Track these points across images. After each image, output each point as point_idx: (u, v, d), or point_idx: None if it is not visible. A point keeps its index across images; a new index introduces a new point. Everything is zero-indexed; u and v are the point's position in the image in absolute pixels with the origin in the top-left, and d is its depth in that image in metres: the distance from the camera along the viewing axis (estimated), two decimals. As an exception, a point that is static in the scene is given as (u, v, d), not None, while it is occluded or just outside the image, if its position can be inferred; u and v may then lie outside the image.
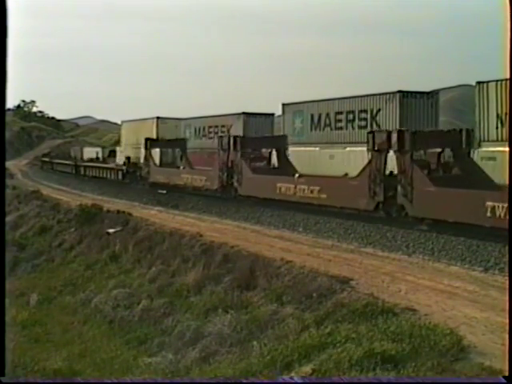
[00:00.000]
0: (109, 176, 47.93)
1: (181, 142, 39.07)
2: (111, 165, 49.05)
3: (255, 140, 30.88)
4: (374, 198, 21.42)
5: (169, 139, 40.90)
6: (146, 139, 41.10)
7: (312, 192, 24.45)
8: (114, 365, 12.53)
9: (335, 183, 24.10)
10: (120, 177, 45.69)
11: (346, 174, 24.62)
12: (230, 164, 29.94)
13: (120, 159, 48.46)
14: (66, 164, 61.49)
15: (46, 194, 37.27)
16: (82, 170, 55.42)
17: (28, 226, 28.53)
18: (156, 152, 40.28)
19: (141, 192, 37.18)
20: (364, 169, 22.15)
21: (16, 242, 25.25)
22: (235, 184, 29.49)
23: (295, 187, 25.36)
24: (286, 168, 28.44)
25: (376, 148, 21.26)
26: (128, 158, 45.26)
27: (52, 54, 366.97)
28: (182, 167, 36.55)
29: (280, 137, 31.14)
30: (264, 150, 30.91)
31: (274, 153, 29.96)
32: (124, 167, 45.47)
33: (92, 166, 53.45)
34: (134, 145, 48.96)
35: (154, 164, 39.45)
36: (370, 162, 21.66)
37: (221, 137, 32.29)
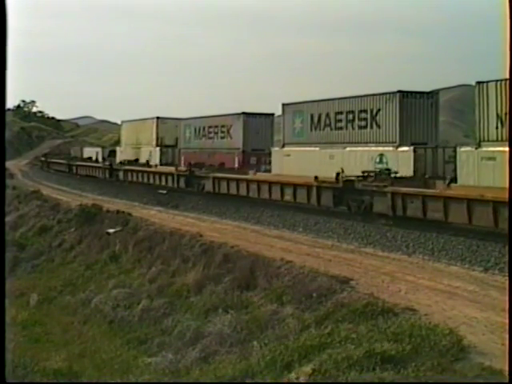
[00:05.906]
0: (97, 174, 48.99)
1: None
2: (99, 164, 50.22)
3: None
4: None
5: None
6: None
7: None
8: (114, 365, 12.53)
9: None
10: (107, 175, 46.98)
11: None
12: None
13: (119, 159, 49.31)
14: (59, 163, 63.61)
15: (45, 193, 37.26)
16: (74, 168, 57.05)
17: (28, 226, 28.51)
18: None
19: (141, 192, 37.16)
20: None
21: (16, 242, 25.22)
22: None
23: None
24: None
25: None
26: (110, 165, 46.76)
27: (52, 53, 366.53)
28: None
29: None
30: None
31: None
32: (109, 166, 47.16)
33: (82, 165, 55.29)
34: (134, 145, 49.18)
35: None
36: None
37: None
